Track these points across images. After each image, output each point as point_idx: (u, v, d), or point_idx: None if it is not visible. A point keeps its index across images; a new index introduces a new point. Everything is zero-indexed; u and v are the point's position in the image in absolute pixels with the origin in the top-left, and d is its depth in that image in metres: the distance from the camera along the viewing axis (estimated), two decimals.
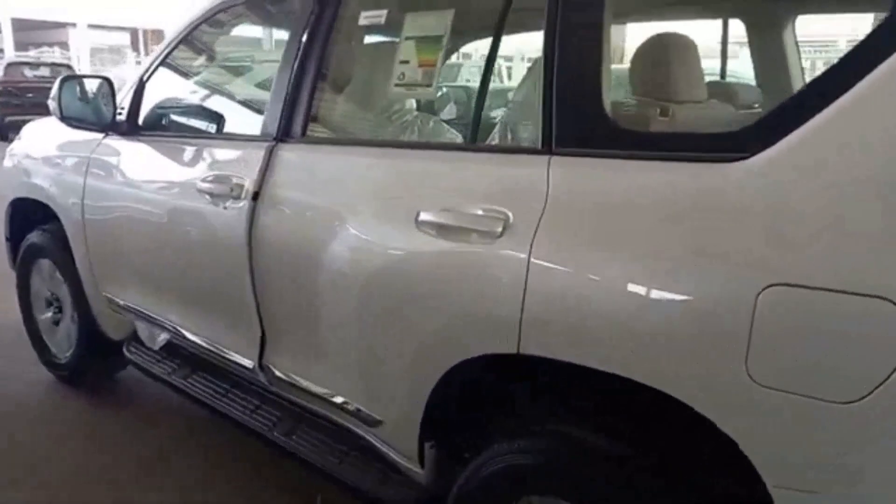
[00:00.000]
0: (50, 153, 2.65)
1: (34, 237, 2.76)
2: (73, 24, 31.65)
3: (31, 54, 25.63)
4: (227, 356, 1.98)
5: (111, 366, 2.75)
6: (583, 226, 1.20)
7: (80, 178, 2.38)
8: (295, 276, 1.69)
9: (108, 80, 2.20)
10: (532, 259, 1.22)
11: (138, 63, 30.05)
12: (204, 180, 1.90)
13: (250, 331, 1.87)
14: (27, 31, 30.71)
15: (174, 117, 2.21)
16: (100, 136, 2.36)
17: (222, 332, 2.00)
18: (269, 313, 1.81)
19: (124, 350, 2.48)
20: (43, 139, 2.77)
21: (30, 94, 11.58)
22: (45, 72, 12.27)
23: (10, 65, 12.11)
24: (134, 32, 35.15)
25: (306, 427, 1.87)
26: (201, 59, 2.30)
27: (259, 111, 1.90)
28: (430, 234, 1.39)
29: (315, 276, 1.63)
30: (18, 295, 2.97)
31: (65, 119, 2.17)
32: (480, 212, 1.32)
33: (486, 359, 1.32)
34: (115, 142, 2.30)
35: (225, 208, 1.82)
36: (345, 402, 1.68)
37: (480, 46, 3.25)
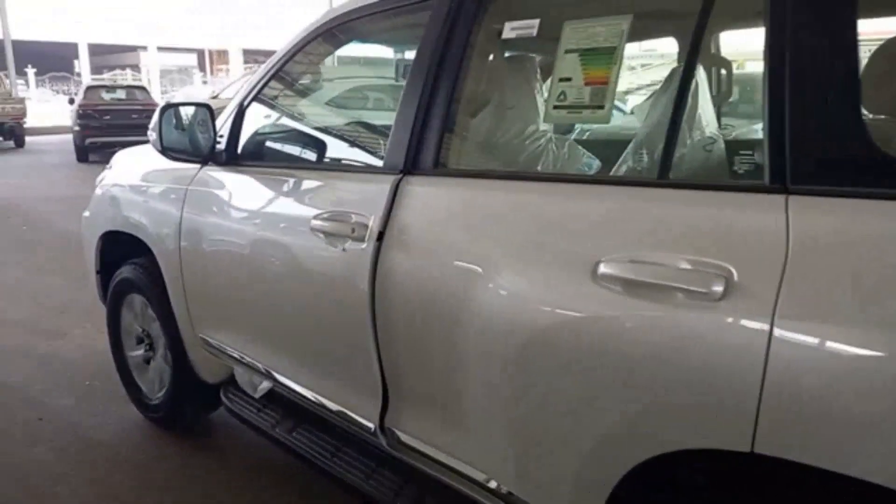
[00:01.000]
0: (143, 184, 2.51)
1: (126, 271, 2.63)
2: (144, 48, 32.93)
3: (106, 77, 26.78)
4: (341, 413, 1.76)
5: (206, 408, 2.58)
6: (847, 289, 0.91)
7: (176, 211, 2.22)
8: (427, 330, 1.46)
9: (207, 107, 2.03)
10: (776, 331, 0.94)
11: (205, 83, 31.01)
12: (318, 218, 1.69)
13: (370, 387, 1.65)
14: (101, 56, 32.10)
15: (278, 146, 2.03)
16: (197, 166, 2.19)
17: (336, 386, 1.78)
18: (394, 369, 1.58)
19: (221, 396, 2.30)
20: (134, 169, 2.64)
21: (107, 117, 11.93)
22: (121, 94, 12.63)
23: (89, 88, 12.51)
24: (200, 53, 36.35)
25: (435, 500, 1.63)
26: (308, 82, 2.11)
27: (380, 140, 1.69)
28: (615, 291, 1.13)
29: (453, 330, 1.39)
30: (108, 331, 2.85)
31: (165, 151, 2.01)
32: (687, 265, 1.06)
33: (697, 454, 1.05)
34: (214, 172, 2.13)
35: (344, 250, 1.61)
36: (487, 480, 1.43)
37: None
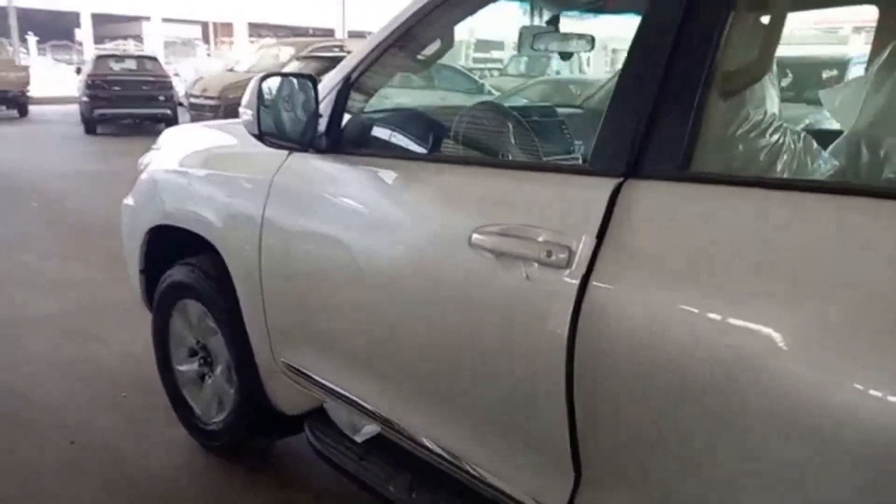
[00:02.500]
0: (206, 171, 2.08)
1: (179, 274, 2.21)
2: (147, 18, 32.10)
3: (109, 47, 26.06)
4: (499, 488, 1.35)
5: (276, 437, 2.18)
6: None
7: (256, 207, 1.79)
8: (667, 404, 1.04)
9: (311, 80, 1.59)
10: None
11: (209, 55, 30.31)
12: (483, 231, 1.26)
13: (551, 460, 1.23)
14: (103, 25, 31.31)
15: (408, 131, 1.60)
16: (283, 152, 1.76)
17: (492, 450, 1.37)
18: (597, 443, 1.16)
19: (307, 432, 1.89)
20: (192, 151, 2.21)
21: (117, 88, 11.41)
22: (131, 65, 12.10)
23: (98, 58, 11.96)
24: (204, 25, 35.52)
25: None
26: (437, 49, 1.66)
27: (575, 127, 1.25)
28: None
29: (714, 412, 0.98)
30: (154, 339, 2.43)
31: (264, 136, 1.57)
32: None
33: None
34: (312, 161, 1.70)
35: (527, 277, 1.18)
36: None
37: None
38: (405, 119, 1.65)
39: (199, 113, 10.57)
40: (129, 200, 2.47)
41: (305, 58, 9.81)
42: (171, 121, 12.16)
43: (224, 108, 9.86)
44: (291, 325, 1.81)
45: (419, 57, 1.69)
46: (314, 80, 1.59)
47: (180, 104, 12.67)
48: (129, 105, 11.37)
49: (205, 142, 2.23)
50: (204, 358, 2.28)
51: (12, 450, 2.30)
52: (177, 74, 15.88)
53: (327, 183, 1.65)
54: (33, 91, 15.06)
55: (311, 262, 1.68)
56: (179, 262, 2.23)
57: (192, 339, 2.30)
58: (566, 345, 1.13)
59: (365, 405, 1.64)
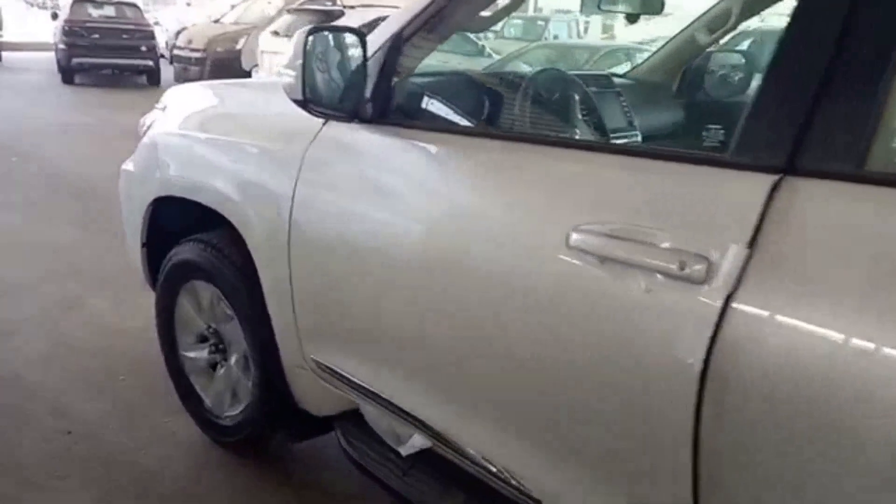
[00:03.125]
0: (223, 137, 1.83)
1: (188, 251, 1.97)
2: None
3: None
4: None
5: (299, 437, 1.98)
6: None
7: (285, 183, 1.56)
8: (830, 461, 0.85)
9: (360, 35, 1.34)
10: None
11: (188, 5, 29.20)
12: (585, 229, 1.05)
13: (666, 499, 1.05)
14: None
15: (470, 101, 1.36)
16: (318, 119, 1.52)
17: (572, 483, 1.18)
18: (726, 483, 0.98)
19: (338, 437, 1.69)
20: (205, 113, 1.95)
21: (95, 35, 10.87)
22: (110, 11, 11.50)
23: (75, 2, 11.32)
24: None
25: None
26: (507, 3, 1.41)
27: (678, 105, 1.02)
28: None
29: None
30: (158, 321, 2.20)
31: (309, 104, 1.32)
32: None
33: None
34: (354, 132, 1.46)
35: (647, 290, 0.98)
36: None
37: None
38: (472, 86, 1.42)
39: (184, 66, 10.13)
40: (128, 165, 2.21)
41: (298, 10, 9.36)
42: (153, 73, 11.67)
43: (211, 61, 9.43)
44: (326, 319, 1.60)
45: (485, 13, 1.45)
46: (364, 36, 1.35)
47: (161, 56, 12.12)
48: (108, 55, 10.83)
49: (218, 103, 1.97)
50: (216, 345, 2.06)
51: (3, 441, 2.08)
52: (157, 23, 15.21)
53: (378, 160, 1.42)
54: (6, 36, 14.36)
55: (355, 251, 1.46)
56: (188, 237, 1.99)
57: (201, 323, 2.07)
58: (698, 377, 0.93)
59: (415, 416, 1.44)
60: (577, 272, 1.06)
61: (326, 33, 1.33)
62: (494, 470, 1.29)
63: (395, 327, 1.45)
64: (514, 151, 1.29)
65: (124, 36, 11.06)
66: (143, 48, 11.24)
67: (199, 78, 9.68)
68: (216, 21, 11.20)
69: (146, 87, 11.81)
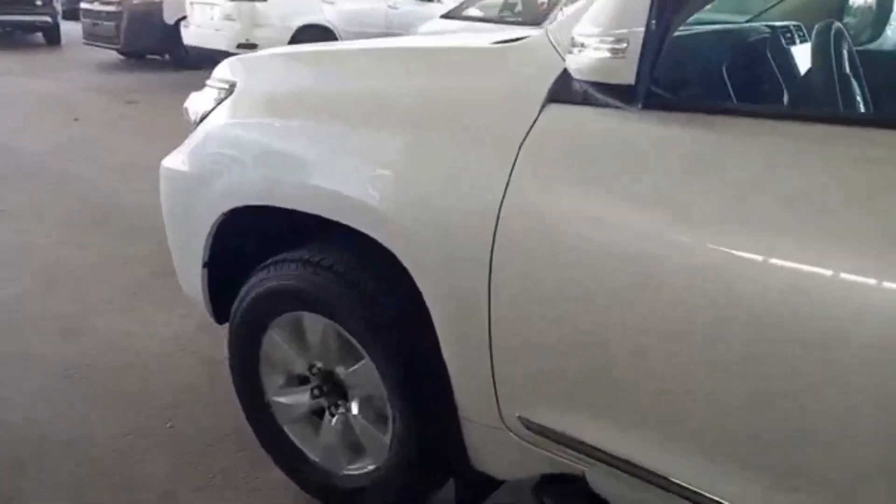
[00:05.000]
0: (364, 126, 1.35)
1: (284, 276, 1.50)
2: None
3: None
4: None
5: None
6: None
7: (484, 191, 1.14)
8: None
9: None
10: None
11: None
12: None
13: None
14: None
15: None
16: (534, 99, 1.09)
17: None
18: None
19: None
20: (318, 92, 1.46)
21: None
22: None
23: None
24: None
25: None
26: None
27: None
28: None
29: None
30: (233, 360, 1.73)
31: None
32: None
33: None
34: (610, 120, 1.04)
35: None
36: None
37: None
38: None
39: (93, 21, 8.97)
40: (175, 163, 1.70)
41: None
42: (52, 31, 10.40)
43: (128, 16, 8.37)
44: (549, 372, 1.20)
45: None
46: None
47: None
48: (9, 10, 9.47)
49: (336, 76, 1.47)
50: (320, 387, 1.62)
51: None
52: None
53: (668, 166, 1.01)
54: None
55: (617, 280, 1.06)
56: (282, 256, 1.53)
57: (302, 362, 1.63)
58: None
59: (680, 482, 1.09)
60: None
61: None
62: None
63: (665, 384, 1.07)
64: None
65: None
66: (39, 2, 9.90)
67: (114, 35, 8.61)
68: None
69: (45, 47, 10.53)
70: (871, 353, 0.85)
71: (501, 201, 1.13)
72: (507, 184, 1.13)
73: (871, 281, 0.84)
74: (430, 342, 1.31)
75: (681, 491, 1.09)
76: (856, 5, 1.76)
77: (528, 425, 1.26)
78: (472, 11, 6.78)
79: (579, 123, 1.08)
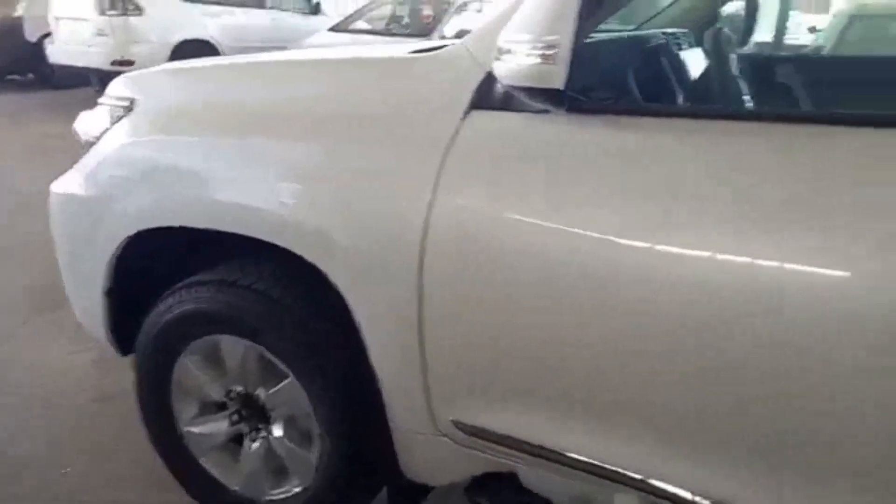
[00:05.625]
0: (277, 139, 1.31)
1: (198, 300, 1.44)
2: None
3: None
4: None
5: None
6: None
7: (412, 196, 1.15)
8: None
9: None
10: None
11: None
12: None
13: None
14: None
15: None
16: (456, 106, 1.12)
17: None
18: None
19: None
20: (225, 106, 1.41)
21: None
22: None
23: None
24: None
25: None
26: None
27: None
28: None
29: None
30: (140, 392, 1.62)
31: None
32: None
33: None
34: (542, 125, 1.08)
35: None
36: None
37: None
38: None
39: None
40: (68, 187, 1.59)
41: None
42: None
43: None
44: (483, 372, 1.22)
45: None
46: None
47: None
48: None
49: (244, 90, 1.43)
50: (239, 412, 1.57)
51: None
52: None
53: (595, 166, 1.05)
54: None
55: (551, 281, 1.09)
56: (195, 278, 1.47)
57: (218, 388, 1.56)
58: None
59: (634, 475, 1.14)
60: None
61: None
62: None
63: (610, 378, 1.12)
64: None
65: None
66: None
67: None
68: None
69: None
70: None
71: (430, 207, 1.15)
72: (435, 189, 1.14)
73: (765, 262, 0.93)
74: (358, 353, 1.30)
75: (612, 475, 1.14)
76: (725, 13, 1.93)
77: (463, 427, 1.27)
78: (360, 24, 6.79)
79: (504, 128, 1.11)
